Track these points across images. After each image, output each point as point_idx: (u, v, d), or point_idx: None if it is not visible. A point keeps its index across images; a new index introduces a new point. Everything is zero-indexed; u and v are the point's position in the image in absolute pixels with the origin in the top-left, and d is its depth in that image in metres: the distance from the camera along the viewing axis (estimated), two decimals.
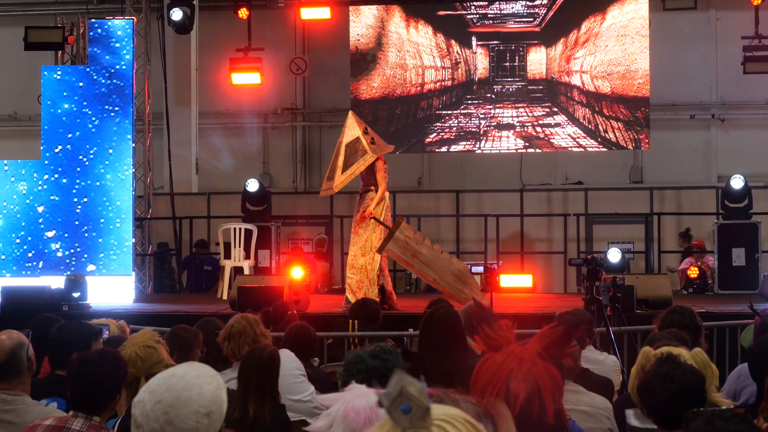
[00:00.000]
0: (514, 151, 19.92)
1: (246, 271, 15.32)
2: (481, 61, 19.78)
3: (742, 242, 15.63)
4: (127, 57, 15.28)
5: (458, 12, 19.76)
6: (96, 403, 4.71)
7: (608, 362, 7.42)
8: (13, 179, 14.95)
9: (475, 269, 16.51)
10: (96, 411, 4.70)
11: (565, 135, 19.47)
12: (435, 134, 19.87)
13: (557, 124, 19.51)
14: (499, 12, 19.70)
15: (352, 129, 13.07)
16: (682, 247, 18.23)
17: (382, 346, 4.68)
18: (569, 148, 19.71)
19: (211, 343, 7.13)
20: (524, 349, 2.68)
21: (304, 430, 3.03)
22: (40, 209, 14.94)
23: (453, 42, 19.84)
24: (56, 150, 15.04)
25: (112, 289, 14.63)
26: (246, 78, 19.35)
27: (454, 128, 19.82)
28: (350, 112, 13.63)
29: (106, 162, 15.05)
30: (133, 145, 15.40)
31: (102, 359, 4.85)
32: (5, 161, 15.10)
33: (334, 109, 21.66)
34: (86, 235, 14.96)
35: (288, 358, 6.77)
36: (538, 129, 19.60)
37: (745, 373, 6.49)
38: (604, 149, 19.62)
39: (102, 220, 14.98)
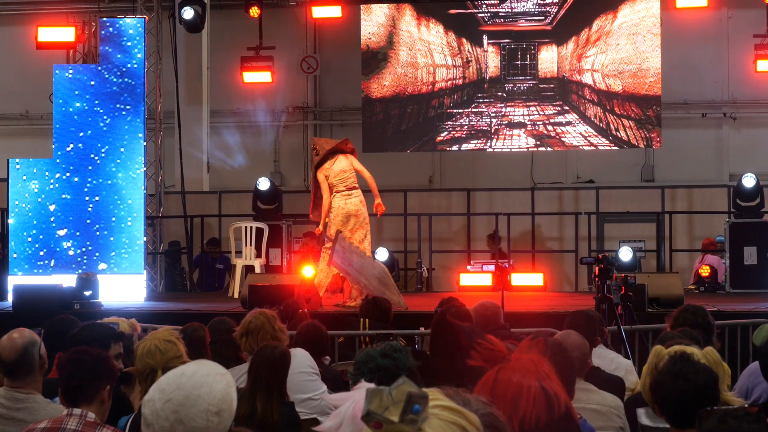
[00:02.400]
0: (525, 149, 19.90)
1: (257, 270, 15.33)
2: (492, 60, 19.76)
3: (753, 241, 15.58)
4: (139, 56, 15.29)
5: (469, 10, 19.74)
6: (83, 392, 4.70)
7: (622, 362, 7.40)
8: (24, 178, 14.98)
9: (486, 267, 16.52)
10: (83, 399, 4.69)
11: (576, 133, 19.44)
12: (446, 133, 19.86)
13: (568, 123, 19.48)
14: (510, 10, 19.67)
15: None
16: (490, 249, 18.06)
17: (393, 344, 4.68)
18: (580, 147, 19.68)
19: (223, 343, 7.13)
20: (530, 356, 2.69)
21: (314, 430, 3.03)
22: (52, 208, 14.96)
23: (464, 40, 19.82)
24: (68, 148, 15.06)
25: (124, 288, 14.65)
26: (257, 77, 19.37)
27: (465, 127, 19.80)
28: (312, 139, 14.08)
29: (118, 160, 15.07)
30: (145, 143, 15.41)
31: (85, 351, 4.88)
32: (17, 160, 15.13)
33: (345, 108, 21.67)
34: (98, 233, 14.98)
35: (302, 356, 6.77)
36: (550, 127, 19.57)
37: (757, 371, 6.48)
38: (616, 148, 19.59)
39: (113, 219, 15.00)
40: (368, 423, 1.94)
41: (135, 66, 15.25)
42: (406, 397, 1.93)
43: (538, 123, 19.60)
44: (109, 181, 15.04)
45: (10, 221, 15.00)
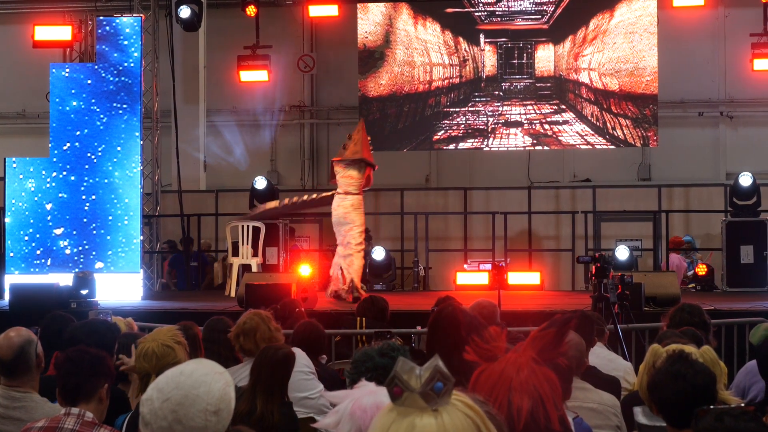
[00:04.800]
0: (522, 148, 19.90)
1: (254, 269, 15.32)
2: (489, 59, 19.76)
3: (750, 240, 15.59)
4: (135, 54, 15.29)
5: (466, 9, 19.74)
6: (81, 391, 4.70)
7: (621, 363, 7.41)
8: (21, 177, 14.97)
9: (483, 266, 16.53)
10: (82, 399, 4.68)
11: (573, 132, 19.44)
12: (443, 132, 19.86)
13: (565, 122, 19.48)
14: (507, 9, 19.67)
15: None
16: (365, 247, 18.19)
17: (390, 343, 4.68)
18: (577, 146, 19.69)
19: (221, 342, 7.13)
20: (519, 357, 2.64)
21: (313, 427, 3.04)
22: (49, 207, 14.96)
23: (461, 39, 19.82)
24: (64, 147, 15.05)
25: (121, 287, 14.65)
26: (254, 75, 19.36)
27: (462, 126, 19.80)
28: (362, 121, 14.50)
29: (114, 159, 15.07)
30: (141, 142, 15.41)
31: (83, 350, 4.88)
32: (14, 158, 15.12)
33: (342, 107, 21.67)
34: (94, 232, 14.98)
35: (298, 355, 6.77)
36: (546, 126, 19.57)
37: (753, 370, 6.49)
38: (612, 146, 19.60)
39: (110, 218, 15.00)
40: (391, 387, 1.97)
41: (132, 65, 15.24)
42: (433, 371, 1.97)
43: (534, 122, 19.60)
44: (106, 180, 15.03)
45: (7, 220, 14.99)
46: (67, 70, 15.37)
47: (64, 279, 12.96)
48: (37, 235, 14.95)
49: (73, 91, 15.15)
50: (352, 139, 13.93)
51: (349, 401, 2.61)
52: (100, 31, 15.38)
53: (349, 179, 13.82)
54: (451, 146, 20.03)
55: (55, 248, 14.95)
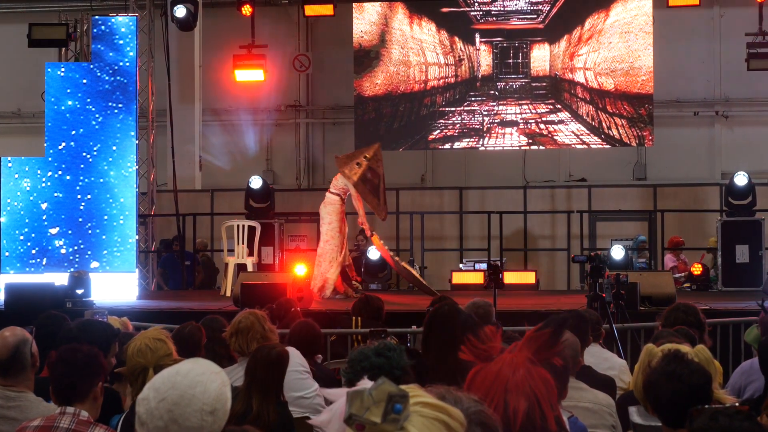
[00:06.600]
0: (518, 148, 19.91)
1: (249, 268, 15.32)
2: (484, 58, 19.77)
3: (745, 239, 15.60)
4: (131, 54, 15.28)
5: (462, 9, 19.75)
6: (76, 391, 4.70)
7: (616, 362, 7.42)
8: (16, 176, 14.96)
9: (478, 266, 16.53)
10: (77, 398, 4.68)
11: (568, 132, 19.45)
12: (438, 131, 19.86)
13: (561, 121, 19.50)
14: (502, 9, 19.68)
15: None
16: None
17: (386, 343, 4.68)
18: (573, 145, 19.70)
19: (216, 341, 7.13)
20: (515, 357, 2.63)
21: (308, 423, 3.04)
22: (44, 206, 14.94)
23: (456, 39, 19.83)
24: (60, 147, 15.04)
25: (116, 286, 14.63)
26: (249, 75, 19.34)
27: (458, 125, 19.80)
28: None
29: (110, 159, 15.06)
30: (137, 141, 15.40)
31: (76, 349, 4.87)
32: (9, 158, 15.10)
33: (337, 106, 21.67)
34: (90, 231, 14.96)
35: (293, 355, 6.78)
36: (542, 126, 19.58)
37: (748, 369, 6.50)
38: (608, 146, 19.61)
39: (105, 217, 14.99)
40: (351, 425, 1.93)
41: (127, 64, 15.24)
42: (386, 397, 1.92)
43: (530, 121, 19.61)
44: (102, 180, 15.02)
45: (2, 219, 14.97)
46: (63, 69, 15.36)
47: (60, 278, 12.93)
48: (33, 235, 14.94)
49: (68, 91, 15.14)
50: (362, 165, 14.19)
51: (342, 401, 2.60)
52: (95, 30, 15.37)
53: (335, 181, 14.38)
54: (447, 146, 20.03)
55: (50, 248, 14.94)
